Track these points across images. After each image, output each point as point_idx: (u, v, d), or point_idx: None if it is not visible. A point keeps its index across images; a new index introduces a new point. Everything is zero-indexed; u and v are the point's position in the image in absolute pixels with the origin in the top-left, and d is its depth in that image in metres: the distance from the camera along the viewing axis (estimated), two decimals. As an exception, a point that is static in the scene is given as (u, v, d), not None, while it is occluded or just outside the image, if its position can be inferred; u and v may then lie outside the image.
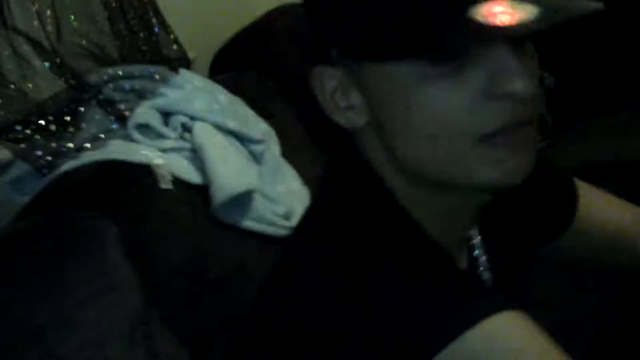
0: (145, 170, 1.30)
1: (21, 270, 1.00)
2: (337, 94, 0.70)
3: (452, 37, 0.63)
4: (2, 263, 1.01)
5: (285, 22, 1.88)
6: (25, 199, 1.31)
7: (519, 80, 0.63)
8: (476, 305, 0.62)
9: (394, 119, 0.68)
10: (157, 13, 1.54)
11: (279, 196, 1.43)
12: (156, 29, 1.53)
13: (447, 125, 0.65)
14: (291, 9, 1.98)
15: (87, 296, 1.03)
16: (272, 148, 1.49)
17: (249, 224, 1.37)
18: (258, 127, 1.48)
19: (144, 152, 1.32)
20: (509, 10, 0.61)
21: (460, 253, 0.78)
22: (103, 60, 1.44)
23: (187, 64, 1.53)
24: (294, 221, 1.43)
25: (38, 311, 0.97)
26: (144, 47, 1.50)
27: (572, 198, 0.88)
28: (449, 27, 0.62)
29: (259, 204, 1.38)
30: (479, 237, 0.81)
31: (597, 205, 0.90)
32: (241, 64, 1.75)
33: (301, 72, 1.80)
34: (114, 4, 1.49)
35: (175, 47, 1.54)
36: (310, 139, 1.71)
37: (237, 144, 1.42)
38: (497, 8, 0.61)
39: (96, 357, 0.98)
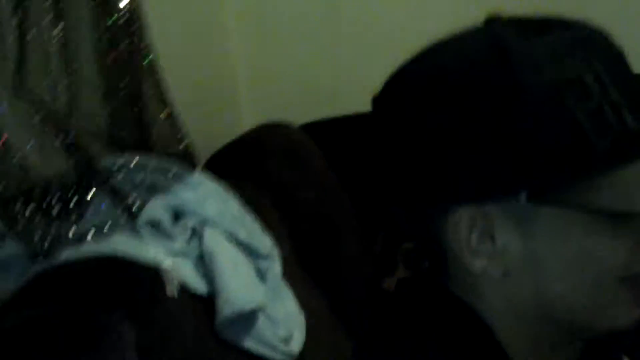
0: (151, 272, 1.19)
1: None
2: (478, 236, 0.67)
3: None
4: (15, 356, 0.87)
5: (278, 141, 1.86)
6: (9, 286, 1.17)
7: None
8: None
9: (560, 265, 0.66)
10: (169, 106, 1.47)
11: (280, 318, 1.34)
12: (166, 124, 1.45)
13: (611, 269, 0.65)
14: (281, 128, 1.96)
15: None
16: (275, 266, 1.41)
17: (250, 344, 1.27)
18: (264, 241, 1.40)
19: (152, 252, 1.21)
20: None
21: None
22: (114, 145, 1.35)
23: (194, 163, 1.44)
24: (293, 346, 1.35)
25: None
26: (152, 139, 1.41)
27: None
28: None
29: (262, 325, 1.29)
30: None
31: None
32: (233, 175, 1.69)
33: (299, 195, 1.74)
34: (126, 90, 1.41)
35: (183, 145, 1.45)
36: (302, 265, 1.65)
37: (246, 256, 1.34)
38: None
39: None
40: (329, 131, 2.08)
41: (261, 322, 1.29)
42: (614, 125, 0.63)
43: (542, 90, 0.63)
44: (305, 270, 1.60)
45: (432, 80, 0.68)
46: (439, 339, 0.70)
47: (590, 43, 0.66)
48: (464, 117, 0.65)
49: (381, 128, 0.73)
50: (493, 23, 0.68)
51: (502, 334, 0.69)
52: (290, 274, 1.50)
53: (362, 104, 2.10)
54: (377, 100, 0.73)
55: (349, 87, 2.22)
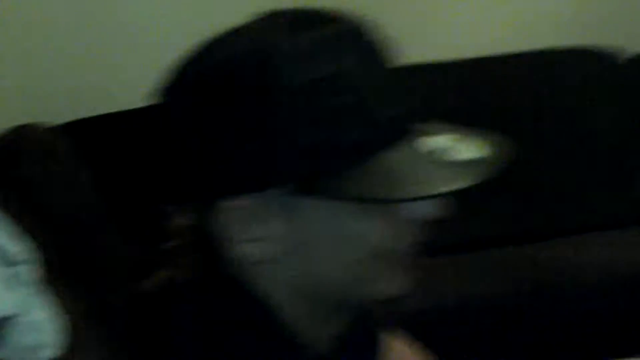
0: None
1: None
2: (246, 226, 0.69)
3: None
4: None
5: (33, 143, 1.81)
6: None
7: (443, 205, 0.70)
8: None
9: (325, 248, 0.70)
10: None
11: (38, 324, 1.32)
12: None
13: (376, 248, 0.70)
14: (36, 130, 1.90)
15: None
16: (32, 272, 1.38)
17: (5, 353, 1.24)
18: (20, 247, 1.37)
19: None
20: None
21: None
22: None
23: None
24: (53, 351, 1.33)
25: None
26: None
27: (376, 341, 0.92)
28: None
29: (17, 332, 1.26)
30: None
31: (397, 353, 0.94)
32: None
33: (54, 198, 1.71)
34: None
35: None
36: (62, 269, 1.61)
37: (-2, 264, 1.29)
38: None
39: None
40: (85, 131, 2.03)
41: (16, 329, 1.26)
42: (368, 117, 0.67)
43: (299, 87, 0.65)
44: (65, 274, 1.57)
45: (202, 78, 0.69)
46: (224, 324, 0.72)
47: (347, 38, 0.69)
48: (228, 115, 0.67)
49: (157, 125, 0.73)
50: (263, 20, 0.70)
51: (282, 310, 0.72)
52: (49, 279, 1.47)
53: (116, 103, 2.09)
54: (160, 92, 0.72)
55: (99, 87, 2.18)
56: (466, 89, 2.27)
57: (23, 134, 1.83)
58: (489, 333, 1.87)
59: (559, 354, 1.90)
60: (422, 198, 0.68)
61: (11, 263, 1.33)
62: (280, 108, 0.65)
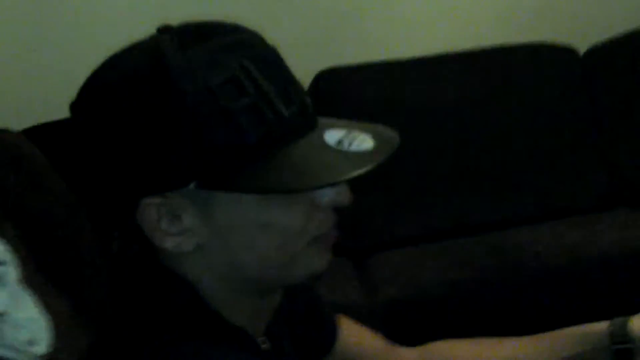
0: None
1: None
2: (167, 220, 0.74)
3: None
4: None
5: (1, 148, 1.80)
6: None
7: (346, 194, 0.76)
8: None
9: (243, 237, 0.75)
10: None
11: (22, 322, 1.34)
12: None
13: (292, 234, 0.75)
14: (2, 135, 1.90)
15: None
16: (12, 272, 1.40)
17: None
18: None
19: None
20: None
21: None
22: None
23: None
24: (39, 348, 1.35)
25: None
26: None
27: (334, 328, 0.99)
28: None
29: (3, 329, 1.28)
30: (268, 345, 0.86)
31: (354, 338, 1.01)
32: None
33: (28, 201, 1.70)
34: None
35: None
36: (41, 270, 1.62)
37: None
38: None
39: None
40: (52, 134, 2.03)
41: (8, 325, 1.27)
42: (268, 116, 0.71)
43: (197, 94, 0.70)
44: (45, 275, 1.58)
45: (107, 91, 0.74)
46: (162, 315, 0.76)
47: (243, 46, 0.73)
48: (133, 124, 0.72)
49: (78, 133, 0.78)
50: (161, 34, 0.75)
51: (213, 297, 0.77)
52: (29, 279, 1.48)
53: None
54: (71, 108, 0.78)
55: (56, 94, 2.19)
56: (427, 85, 2.32)
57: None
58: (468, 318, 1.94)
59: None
60: (320, 187, 0.74)
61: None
62: (181, 114, 0.71)
